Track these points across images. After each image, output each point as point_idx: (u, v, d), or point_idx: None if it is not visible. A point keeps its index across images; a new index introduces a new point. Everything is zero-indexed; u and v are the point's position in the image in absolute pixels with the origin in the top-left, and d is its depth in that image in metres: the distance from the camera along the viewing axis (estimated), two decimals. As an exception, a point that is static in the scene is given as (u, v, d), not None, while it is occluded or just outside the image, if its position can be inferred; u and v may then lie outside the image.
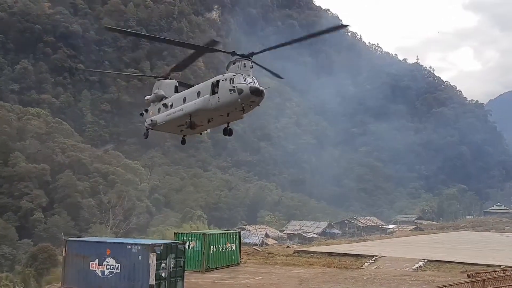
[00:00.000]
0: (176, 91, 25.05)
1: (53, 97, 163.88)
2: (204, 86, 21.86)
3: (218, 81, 20.66)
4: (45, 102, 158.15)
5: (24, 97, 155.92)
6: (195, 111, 21.70)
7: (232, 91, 19.81)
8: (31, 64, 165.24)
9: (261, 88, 19.66)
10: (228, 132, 23.01)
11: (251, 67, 20.38)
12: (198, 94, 21.81)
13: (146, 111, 26.25)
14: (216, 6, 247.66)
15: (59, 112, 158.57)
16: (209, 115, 21.76)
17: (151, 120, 25.32)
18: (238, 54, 20.66)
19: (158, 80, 26.59)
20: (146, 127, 26.12)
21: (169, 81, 26.23)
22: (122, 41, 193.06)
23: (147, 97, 26.26)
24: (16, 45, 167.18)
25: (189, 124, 22.10)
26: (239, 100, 19.74)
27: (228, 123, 22.55)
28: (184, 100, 23.04)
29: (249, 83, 19.66)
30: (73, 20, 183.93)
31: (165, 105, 24.59)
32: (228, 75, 20.37)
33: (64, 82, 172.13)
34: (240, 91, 19.60)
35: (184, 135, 25.74)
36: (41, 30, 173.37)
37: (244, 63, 20.27)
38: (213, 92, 20.69)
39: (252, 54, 20.68)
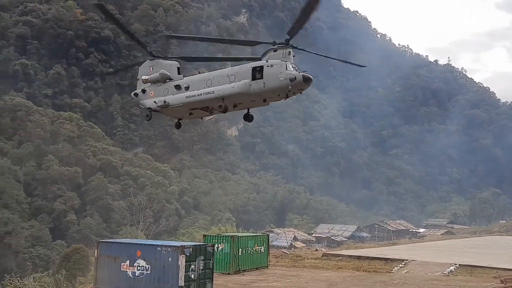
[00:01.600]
0: (179, 72, 24.88)
1: (85, 101, 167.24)
2: (240, 70, 22.08)
3: (261, 67, 21.06)
4: (77, 106, 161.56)
5: (57, 101, 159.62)
6: (233, 94, 21.77)
7: (283, 78, 20.52)
8: (63, 69, 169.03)
9: (311, 76, 20.76)
10: (250, 118, 24.02)
11: (293, 56, 21.24)
12: (231, 78, 21.95)
13: (143, 91, 24.91)
14: (244, 10, 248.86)
15: (90, 116, 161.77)
16: (244, 99, 22.10)
17: (164, 101, 23.79)
18: (278, 43, 21.54)
19: (152, 59, 25.41)
20: (150, 109, 24.54)
21: (169, 61, 25.31)
22: (152, 45, 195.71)
23: (145, 76, 24.84)
24: (50, 50, 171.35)
25: (224, 107, 22.28)
26: (289, 87, 20.60)
27: (249, 109, 23.33)
28: (208, 83, 22.73)
29: (299, 71, 20.80)
30: (104, 25, 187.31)
31: (178, 87, 23.71)
32: (274, 61, 20.98)
33: (96, 87, 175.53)
34: (293, 79, 20.47)
35: (180, 119, 25.41)
36: (73, 35, 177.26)
37: (289, 51, 21.21)
38: (255, 78, 21.14)
39: (289, 40, 21.51)
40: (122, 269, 25.57)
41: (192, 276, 24.42)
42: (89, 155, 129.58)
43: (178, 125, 25.96)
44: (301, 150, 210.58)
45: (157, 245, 25.36)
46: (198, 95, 22.84)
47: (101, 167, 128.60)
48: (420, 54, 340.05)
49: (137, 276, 25.10)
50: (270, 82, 20.88)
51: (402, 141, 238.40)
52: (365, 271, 39.06)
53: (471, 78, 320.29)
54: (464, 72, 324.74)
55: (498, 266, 40.54)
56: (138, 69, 26.33)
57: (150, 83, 24.70)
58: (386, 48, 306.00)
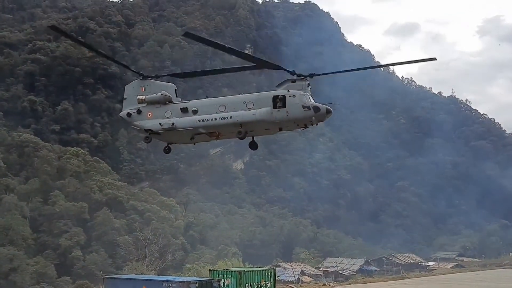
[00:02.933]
0: (177, 95, 24.68)
1: (92, 137, 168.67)
2: (259, 97, 22.50)
3: (283, 96, 21.75)
4: (84, 141, 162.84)
5: (64, 137, 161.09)
6: (253, 121, 21.96)
7: (307, 109, 21.54)
8: (71, 105, 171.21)
9: (331, 108, 22.14)
10: (255, 145, 24.42)
11: (310, 88, 22.30)
12: (249, 104, 22.18)
13: (139, 112, 23.73)
14: (248, 45, 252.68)
15: (97, 150, 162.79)
16: (263, 127, 22.48)
17: (172, 123, 22.98)
18: (297, 74, 22.34)
19: (143, 79, 24.44)
20: (151, 130, 23.63)
21: (164, 83, 24.73)
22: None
23: (141, 96, 23.76)
24: (57, 87, 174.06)
25: (243, 134, 22.38)
26: (313, 117, 21.72)
27: (254, 137, 23.87)
28: (222, 108, 22.57)
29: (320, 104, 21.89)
30: (111, 62, 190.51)
31: (184, 110, 23.19)
32: (295, 92, 21.85)
33: (102, 122, 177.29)
34: (317, 110, 21.67)
35: (170, 144, 25.06)
36: (81, 72, 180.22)
37: (308, 84, 22.22)
38: (276, 106, 21.72)
39: (313, 75, 22.56)
40: (127, 305, 25.40)
41: (198, 312, 24.21)
42: (95, 190, 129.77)
43: (168, 150, 25.48)
44: (307, 182, 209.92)
45: (163, 281, 25.30)
46: (212, 119, 22.44)
47: (107, 202, 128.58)
48: (424, 86, 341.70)
49: (143, 312, 24.92)
50: (293, 111, 21.59)
51: (408, 173, 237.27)
52: (374, 306, 38.42)
53: (476, 109, 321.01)
54: (468, 104, 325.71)
55: (509, 300, 39.81)
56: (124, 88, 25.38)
57: (146, 104, 23.69)
58: (390, 80, 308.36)
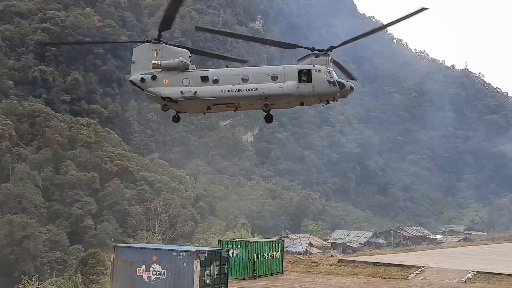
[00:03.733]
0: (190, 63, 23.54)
1: (102, 107, 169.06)
2: (284, 70, 22.14)
3: (309, 71, 21.62)
4: (94, 112, 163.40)
5: (75, 107, 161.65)
6: (280, 95, 21.77)
7: (332, 84, 21.66)
8: (81, 76, 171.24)
9: (353, 85, 22.38)
10: (271, 118, 23.68)
11: (332, 62, 22.29)
12: (274, 77, 21.83)
13: (153, 77, 22.30)
14: (259, 16, 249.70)
15: (107, 121, 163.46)
16: (286, 100, 22.27)
17: (195, 92, 21.89)
18: (317, 50, 22.26)
19: (155, 43, 22.91)
20: (170, 98, 22.17)
21: (178, 48, 23.23)
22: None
23: (157, 61, 22.24)
24: (67, 57, 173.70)
25: (269, 106, 22.08)
26: (338, 93, 21.87)
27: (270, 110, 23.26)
28: (245, 79, 22.02)
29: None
30: (121, 32, 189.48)
31: (204, 78, 22.28)
32: (321, 67, 21.78)
33: (113, 93, 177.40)
34: (342, 86, 21.85)
35: (180, 113, 23.75)
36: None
37: (331, 59, 22.21)
38: (302, 81, 21.59)
39: (332, 48, 22.38)
40: (138, 274, 25.80)
41: (207, 281, 24.55)
42: (106, 161, 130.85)
43: (178, 119, 24.21)
44: (316, 155, 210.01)
45: (173, 250, 25.54)
46: (237, 90, 21.84)
47: (117, 172, 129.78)
48: (437, 59, 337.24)
49: (153, 280, 25.31)
50: (319, 86, 21.61)
51: (419, 146, 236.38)
52: (381, 277, 38.80)
53: (489, 83, 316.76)
54: (481, 77, 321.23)
55: (516, 274, 39.95)
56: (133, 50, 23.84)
57: (160, 69, 22.27)
58: (403, 53, 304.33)
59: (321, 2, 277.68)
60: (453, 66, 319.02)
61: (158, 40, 22.97)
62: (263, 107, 22.19)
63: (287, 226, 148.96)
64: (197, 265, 23.93)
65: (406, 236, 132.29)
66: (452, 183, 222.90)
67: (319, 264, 47.86)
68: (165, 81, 22.19)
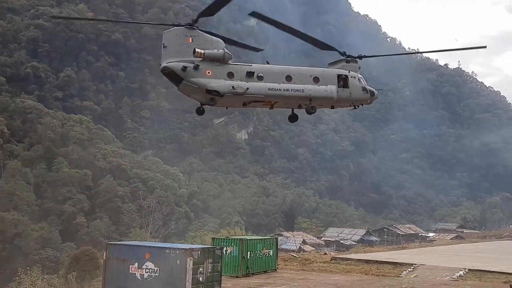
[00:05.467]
0: None
1: (95, 104, 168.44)
2: (324, 73, 22.15)
3: (346, 76, 22.01)
4: (87, 109, 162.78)
5: (67, 104, 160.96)
6: (322, 97, 21.78)
7: (365, 92, 22.29)
8: (74, 72, 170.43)
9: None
10: (296, 118, 24.09)
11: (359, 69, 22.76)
12: (315, 79, 21.75)
13: (196, 67, 20.31)
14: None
15: (100, 118, 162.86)
16: (325, 103, 22.40)
17: (247, 88, 20.62)
18: (348, 55, 22.58)
19: (189, 28, 21.07)
20: (217, 92, 20.57)
21: (214, 37, 21.41)
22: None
23: (201, 49, 20.32)
24: (60, 53, 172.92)
25: (311, 108, 21.94)
26: (368, 101, 22.56)
27: (294, 110, 23.46)
28: (288, 78, 21.49)
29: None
30: (115, 29, 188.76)
31: (250, 74, 20.95)
32: (355, 74, 22.33)
33: (106, 89, 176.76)
34: (372, 93, 22.58)
35: (203, 105, 22.41)
36: (84, 39, 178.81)
37: (359, 67, 22.61)
38: (340, 85, 21.90)
39: (362, 56, 22.92)
40: (130, 271, 25.67)
41: (200, 279, 24.48)
42: (99, 158, 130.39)
43: (203, 111, 22.83)
44: (310, 153, 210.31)
45: (166, 248, 25.44)
46: (285, 90, 21.27)
47: (110, 169, 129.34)
48: (430, 58, 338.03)
49: (145, 278, 25.19)
50: (355, 92, 22.08)
51: (412, 145, 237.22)
52: (374, 275, 38.90)
53: (482, 82, 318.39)
54: (474, 76, 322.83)
55: (508, 271, 40.16)
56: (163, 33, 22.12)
57: (201, 59, 20.38)
58: (397, 52, 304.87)
59: (315, 0, 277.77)
60: (446, 65, 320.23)
61: (192, 25, 21.23)
62: (309, 108, 22.05)
63: (281, 224, 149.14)
64: (190, 262, 23.85)
65: (399, 233, 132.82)
66: (445, 181, 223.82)
67: (313, 261, 47.92)
68: (209, 73, 20.52)
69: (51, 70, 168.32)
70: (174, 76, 20.58)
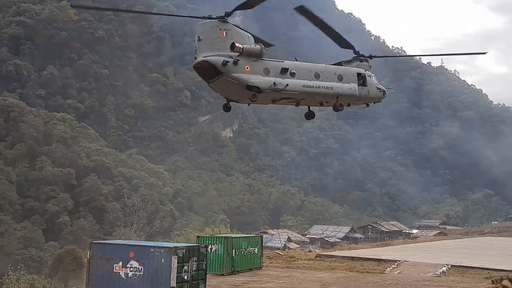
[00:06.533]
0: None
1: (78, 102, 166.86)
2: (346, 71, 22.54)
3: (364, 75, 22.66)
4: (70, 107, 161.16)
5: (50, 102, 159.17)
6: (347, 95, 22.15)
7: (379, 90, 23.19)
8: (57, 70, 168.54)
9: None
10: (313, 115, 24.69)
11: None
12: (339, 77, 22.08)
13: (235, 62, 19.47)
14: (238, 12, 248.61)
15: (84, 116, 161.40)
16: (348, 100, 22.75)
17: (286, 84, 20.11)
18: (360, 55, 23.22)
19: (223, 21, 20.13)
20: (258, 88, 19.76)
21: (245, 32, 20.81)
22: (146, 46, 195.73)
23: (240, 44, 19.56)
24: (43, 51, 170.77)
25: (339, 106, 22.33)
26: (381, 99, 23.54)
27: (310, 107, 24.03)
28: (316, 75, 21.42)
29: None
30: (98, 26, 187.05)
31: (284, 70, 20.54)
32: (370, 73, 23.01)
33: (89, 87, 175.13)
34: (384, 92, 23.60)
35: (230, 102, 21.62)
36: (67, 36, 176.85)
37: (370, 66, 23.26)
38: (360, 84, 22.42)
39: (372, 56, 23.67)
40: (114, 270, 25.55)
41: (185, 277, 24.45)
42: (82, 156, 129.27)
43: (230, 108, 21.98)
44: (295, 151, 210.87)
45: (150, 246, 25.37)
46: (316, 87, 21.13)
47: (94, 168, 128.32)
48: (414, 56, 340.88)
49: (130, 277, 25.09)
50: (372, 91, 22.88)
51: (396, 142, 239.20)
52: (358, 271, 39.20)
53: (464, 80, 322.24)
54: (457, 74, 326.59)
55: (490, 267, 40.76)
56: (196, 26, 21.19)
57: (238, 54, 19.59)
58: (380, 50, 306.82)
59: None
60: (429, 63, 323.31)
61: (224, 18, 20.28)
62: (338, 106, 22.43)
63: (266, 222, 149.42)
64: (174, 261, 23.82)
65: (383, 230, 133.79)
66: (428, 179, 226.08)
67: (298, 259, 48.10)
68: (247, 68, 19.74)
69: (34, 68, 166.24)
70: (211, 71, 19.61)
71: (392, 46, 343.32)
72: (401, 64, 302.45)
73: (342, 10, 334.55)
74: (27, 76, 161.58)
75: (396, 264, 43.16)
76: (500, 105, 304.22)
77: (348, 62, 23.17)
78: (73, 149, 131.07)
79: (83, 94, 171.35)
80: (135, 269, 25.04)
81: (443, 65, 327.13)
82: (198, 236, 37.72)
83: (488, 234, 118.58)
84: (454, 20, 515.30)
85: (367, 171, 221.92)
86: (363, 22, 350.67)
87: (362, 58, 23.26)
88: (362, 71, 22.77)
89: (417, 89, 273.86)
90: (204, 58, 19.36)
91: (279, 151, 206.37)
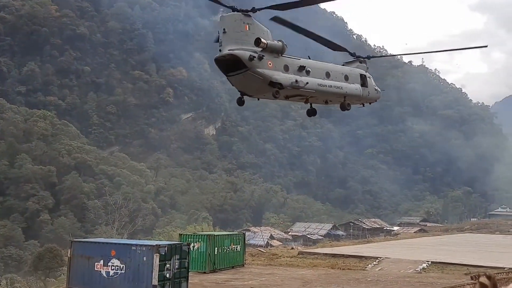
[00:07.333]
0: None
1: (59, 99, 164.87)
2: (351, 72, 22.94)
3: (365, 76, 23.25)
4: (51, 104, 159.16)
5: (31, 99, 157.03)
6: (354, 95, 22.62)
7: (377, 91, 23.89)
8: (37, 67, 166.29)
9: None
10: (315, 112, 24.98)
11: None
12: (346, 77, 22.47)
13: (260, 58, 19.14)
14: (222, 9, 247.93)
15: (65, 114, 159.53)
16: (353, 100, 23.17)
17: (306, 82, 20.26)
18: (357, 56, 23.77)
19: (246, 15, 19.67)
20: (280, 85, 19.55)
21: (264, 27, 20.26)
22: (128, 43, 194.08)
23: (265, 39, 19.27)
24: (23, 47, 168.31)
25: (348, 105, 22.72)
26: (377, 99, 24.11)
27: (312, 104, 23.96)
28: (327, 74, 21.53)
29: None
30: (80, 22, 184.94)
31: (301, 68, 20.46)
32: (369, 74, 23.56)
33: (71, 84, 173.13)
34: (380, 92, 24.23)
35: (244, 96, 21.18)
36: (48, 32, 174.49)
37: (368, 67, 23.75)
38: (361, 84, 22.92)
39: (370, 57, 24.46)
40: (96, 269, 25.42)
41: (167, 275, 24.43)
42: (63, 154, 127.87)
43: (243, 102, 21.45)
44: (278, 149, 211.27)
45: (132, 245, 25.28)
46: (329, 86, 21.30)
47: (76, 166, 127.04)
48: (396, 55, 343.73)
49: (111, 276, 24.99)
50: (371, 91, 23.49)
51: (377, 140, 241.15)
52: (340, 268, 39.55)
53: (444, 79, 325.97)
54: (437, 73, 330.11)
55: (468, 263, 41.47)
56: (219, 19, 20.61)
57: (261, 49, 19.24)
58: (362, 49, 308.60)
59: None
60: (410, 62, 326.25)
61: (248, 12, 19.79)
62: (346, 105, 22.84)
63: (248, 219, 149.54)
64: (156, 259, 23.77)
65: (365, 228, 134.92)
66: (409, 176, 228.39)
67: (280, 256, 48.35)
68: (270, 64, 19.48)
69: (14, 64, 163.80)
70: (236, 64, 19.10)
71: (374, 45, 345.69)
72: (383, 62, 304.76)
73: (324, 9, 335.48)
74: (7, 72, 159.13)
75: (377, 261, 43.63)
76: (479, 104, 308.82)
77: (348, 63, 23.62)
78: (54, 146, 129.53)
79: (64, 91, 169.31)
80: (116, 267, 24.93)
81: (424, 64, 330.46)
82: (180, 234, 37.66)
83: (467, 231, 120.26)
84: (435, 20, 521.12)
85: (349, 169, 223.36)
86: (345, 21, 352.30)
87: (362, 59, 23.74)
88: (363, 72, 23.39)
89: (399, 88, 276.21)
90: (231, 51, 18.99)
91: (262, 148, 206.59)
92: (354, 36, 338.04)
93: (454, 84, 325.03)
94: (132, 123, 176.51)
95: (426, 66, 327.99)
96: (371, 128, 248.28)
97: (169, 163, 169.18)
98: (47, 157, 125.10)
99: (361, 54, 25.20)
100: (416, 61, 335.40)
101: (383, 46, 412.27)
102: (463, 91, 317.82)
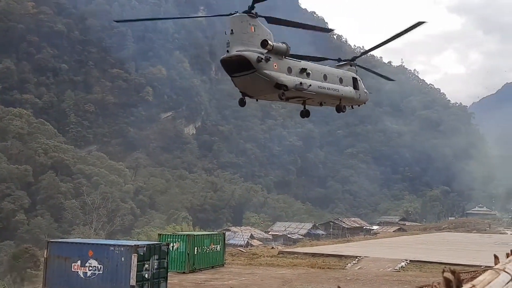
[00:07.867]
0: None
1: (36, 97, 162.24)
2: (345, 75, 23.06)
3: (356, 78, 23.53)
4: (27, 102, 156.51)
5: (6, 97, 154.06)
6: (348, 98, 22.82)
7: (366, 93, 24.23)
8: (13, 64, 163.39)
9: None
10: (308, 114, 24.31)
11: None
12: (340, 80, 22.55)
13: (267, 59, 19.23)
14: (202, 7, 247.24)
15: (42, 112, 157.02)
16: (348, 103, 23.41)
17: (310, 85, 20.39)
18: (345, 60, 24.26)
19: (252, 16, 19.59)
20: (286, 87, 19.62)
21: (267, 29, 20.20)
22: (107, 41, 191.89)
23: (271, 42, 19.31)
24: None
25: (343, 107, 22.93)
26: (366, 101, 24.47)
27: (306, 105, 23.57)
28: (325, 77, 21.61)
29: None
30: (57, 19, 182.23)
31: (303, 71, 20.52)
32: (359, 77, 23.83)
33: (48, 82, 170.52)
34: (368, 94, 24.57)
35: (245, 97, 21.13)
36: (24, 29, 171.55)
37: (357, 70, 24.03)
38: (354, 87, 23.19)
39: (355, 58, 24.71)
40: (73, 270, 24.95)
41: (146, 276, 24.09)
42: (40, 153, 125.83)
43: (245, 103, 21.47)
44: (258, 148, 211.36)
45: (110, 245, 24.89)
46: (328, 88, 21.49)
47: (52, 165, 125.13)
48: (375, 55, 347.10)
49: (89, 276, 24.55)
50: (362, 94, 23.67)
51: (357, 140, 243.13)
52: (320, 268, 39.56)
53: (423, 79, 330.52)
54: (416, 74, 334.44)
55: (446, 261, 41.84)
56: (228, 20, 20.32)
57: (267, 51, 19.31)
58: (342, 49, 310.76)
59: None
60: (389, 62, 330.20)
61: (251, 13, 19.63)
62: (342, 108, 23.04)
63: (229, 219, 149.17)
64: (134, 259, 23.41)
65: (345, 227, 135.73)
66: (388, 176, 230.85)
67: (260, 256, 48.19)
68: (275, 66, 19.55)
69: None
70: (243, 66, 19.08)
71: (354, 45, 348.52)
72: (364, 63, 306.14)
73: (305, 9, 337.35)
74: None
75: (356, 259, 43.78)
76: (457, 104, 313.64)
77: (340, 67, 23.79)
78: (30, 145, 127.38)
79: (41, 89, 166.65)
80: (94, 268, 24.51)
81: (403, 64, 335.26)
82: (159, 234, 37.28)
83: (445, 229, 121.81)
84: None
85: (329, 168, 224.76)
86: (326, 21, 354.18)
87: (352, 62, 24.00)
88: (355, 75, 23.73)
89: (378, 88, 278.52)
90: (239, 52, 18.96)
91: (242, 148, 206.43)
92: (335, 36, 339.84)
93: (433, 85, 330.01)
94: (110, 122, 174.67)
95: (405, 66, 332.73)
96: (351, 128, 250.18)
97: (148, 163, 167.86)
98: (23, 156, 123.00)
99: (339, 54, 25.77)
100: (396, 61, 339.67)
101: (362, 46, 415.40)
102: (441, 91, 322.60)
